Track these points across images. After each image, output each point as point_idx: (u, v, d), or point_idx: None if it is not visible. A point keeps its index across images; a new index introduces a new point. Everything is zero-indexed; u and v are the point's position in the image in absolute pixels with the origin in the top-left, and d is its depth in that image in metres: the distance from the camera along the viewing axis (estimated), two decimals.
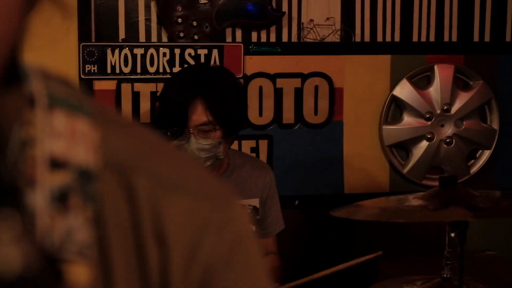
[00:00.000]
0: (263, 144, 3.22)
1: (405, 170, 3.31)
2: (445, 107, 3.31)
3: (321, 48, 3.24)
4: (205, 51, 3.12)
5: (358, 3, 3.24)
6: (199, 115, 2.43)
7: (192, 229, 0.59)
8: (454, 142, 3.33)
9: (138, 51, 3.09)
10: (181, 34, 3.09)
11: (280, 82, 3.23)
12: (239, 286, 0.60)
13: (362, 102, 3.29)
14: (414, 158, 3.32)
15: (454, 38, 3.34)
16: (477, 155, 3.41)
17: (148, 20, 3.09)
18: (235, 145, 2.99)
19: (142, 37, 3.10)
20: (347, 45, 3.26)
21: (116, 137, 0.60)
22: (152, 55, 3.10)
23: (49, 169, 0.54)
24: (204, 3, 3.08)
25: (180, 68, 3.05)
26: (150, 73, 3.10)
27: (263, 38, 3.20)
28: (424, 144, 3.32)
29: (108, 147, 0.58)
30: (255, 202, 2.64)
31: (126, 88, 3.10)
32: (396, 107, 3.32)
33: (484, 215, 2.26)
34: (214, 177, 0.65)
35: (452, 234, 2.19)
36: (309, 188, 3.27)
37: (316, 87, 3.25)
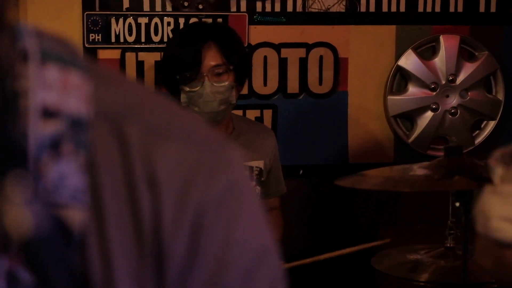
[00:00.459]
0: (268, 114, 3.22)
1: (410, 140, 3.31)
2: (450, 78, 3.30)
3: (326, 18, 3.22)
4: (210, 20, 3.11)
5: None
6: (213, 57, 2.45)
7: (183, 172, 0.59)
8: (459, 113, 3.33)
9: (142, 20, 3.08)
10: (186, 4, 3.08)
11: (284, 52, 3.22)
12: (231, 228, 0.60)
13: (367, 72, 3.28)
14: (419, 129, 3.32)
15: (460, 9, 3.32)
16: (482, 126, 3.41)
17: None
18: (239, 114, 2.99)
19: (146, 6, 3.09)
20: (352, 15, 3.24)
21: (108, 88, 0.61)
22: (156, 24, 3.09)
23: (41, 119, 0.55)
24: None
25: None
26: (155, 42, 3.09)
27: (268, 8, 3.18)
28: (429, 114, 3.31)
29: (100, 97, 0.59)
30: (261, 164, 2.65)
31: (130, 57, 3.09)
32: (401, 78, 3.32)
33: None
34: (207, 125, 0.65)
35: (457, 204, 2.20)
36: (313, 158, 3.27)
37: (321, 57, 3.24)
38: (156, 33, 3.09)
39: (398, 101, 3.30)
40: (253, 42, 3.18)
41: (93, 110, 0.57)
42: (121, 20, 3.06)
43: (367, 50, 3.27)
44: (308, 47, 3.23)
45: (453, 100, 3.32)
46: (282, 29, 3.20)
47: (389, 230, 2.95)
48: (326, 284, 3.17)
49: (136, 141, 0.58)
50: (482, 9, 3.34)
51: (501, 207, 1.03)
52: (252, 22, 3.16)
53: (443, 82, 3.30)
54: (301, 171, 3.26)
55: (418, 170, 2.27)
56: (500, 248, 1.03)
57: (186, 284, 0.58)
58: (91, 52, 3.03)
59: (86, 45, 3.03)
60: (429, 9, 3.30)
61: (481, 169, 2.18)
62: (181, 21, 3.09)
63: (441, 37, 3.29)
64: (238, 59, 2.50)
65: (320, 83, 3.25)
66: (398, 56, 3.28)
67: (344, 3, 3.23)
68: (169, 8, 3.10)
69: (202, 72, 2.44)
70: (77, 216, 0.55)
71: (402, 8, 3.28)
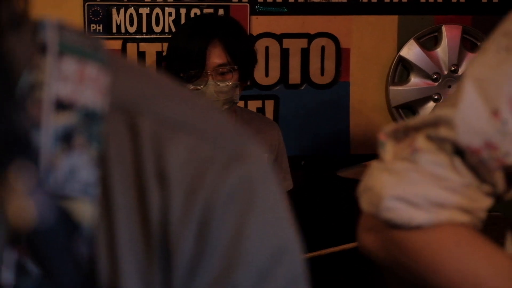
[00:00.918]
0: (269, 104, 3.21)
1: None
2: (453, 68, 3.29)
3: (327, 8, 3.21)
4: (211, 10, 3.10)
5: None
6: (218, 56, 2.42)
7: (193, 169, 0.58)
8: None
9: (144, 11, 3.07)
10: None
11: (286, 43, 3.21)
12: (241, 225, 0.59)
13: (369, 62, 3.27)
14: None
15: None
16: None
17: None
18: (241, 105, 2.99)
19: None
20: (354, 5, 3.23)
21: (125, 79, 0.60)
22: (157, 14, 3.08)
23: (54, 111, 0.55)
24: None
25: None
26: (156, 33, 3.09)
27: None
28: (431, 105, 3.31)
29: (116, 89, 0.58)
30: None
31: (131, 48, 3.09)
32: (403, 68, 3.31)
33: None
34: (225, 116, 0.64)
35: None
36: (315, 149, 3.27)
37: (323, 48, 3.23)
38: (157, 24, 3.08)
39: (400, 92, 3.29)
40: (254, 33, 3.17)
41: (109, 102, 0.57)
42: (122, 10, 3.05)
43: (369, 41, 3.26)
44: (310, 37, 3.22)
45: None
46: (283, 19, 3.19)
47: None
48: (329, 278, 3.17)
49: (148, 134, 0.58)
50: None
51: (393, 186, 0.98)
52: (253, 12, 3.15)
53: (445, 72, 3.29)
54: (302, 162, 3.26)
55: None
56: (390, 229, 0.98)
57: (194, 282, 0.58)
58: None
59: None
60: None
61: None
62: (183, 11, 3.09)
63: (443, 27, 3.28)
64: (243, 58, 2.46)
65: (322, 73, 3.25)
66: (400, 47, 3.27)
67: None
68: None
69: (206, 70, 2.41)
70: (86, 209, 0.55)
71: None
